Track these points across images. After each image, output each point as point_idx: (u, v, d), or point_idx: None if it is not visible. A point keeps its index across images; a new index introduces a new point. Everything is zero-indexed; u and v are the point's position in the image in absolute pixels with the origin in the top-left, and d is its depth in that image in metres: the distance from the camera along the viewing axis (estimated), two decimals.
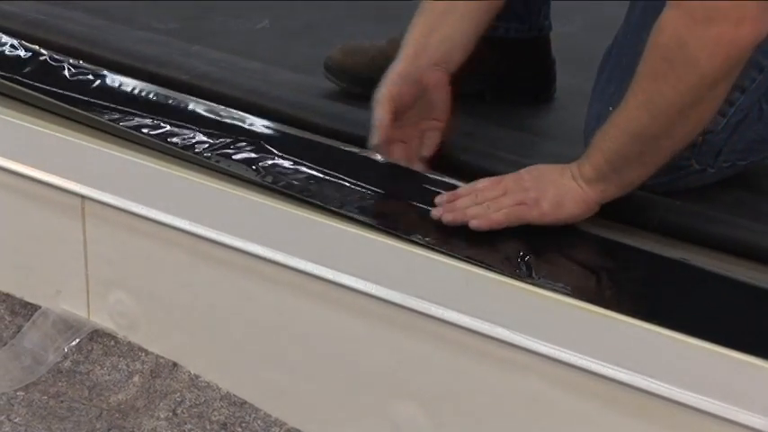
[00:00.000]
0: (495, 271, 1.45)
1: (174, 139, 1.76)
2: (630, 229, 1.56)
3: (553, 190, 1.51)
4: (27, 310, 1.89)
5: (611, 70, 1.64)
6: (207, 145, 1.74)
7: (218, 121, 1.83)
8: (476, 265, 1.47)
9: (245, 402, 1.71)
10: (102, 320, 1.84)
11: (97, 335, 1.83)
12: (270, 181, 1.65)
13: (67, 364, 1.80)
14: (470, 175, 1.61)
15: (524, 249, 1.49)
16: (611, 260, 1.51)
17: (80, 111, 1.83)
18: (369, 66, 1.93)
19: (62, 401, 1.73)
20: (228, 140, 1.76)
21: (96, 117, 1.81)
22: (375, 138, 1.65)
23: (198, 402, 1.72)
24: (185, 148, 1.73)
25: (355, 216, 1.56)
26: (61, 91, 1.89)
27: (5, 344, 1.84)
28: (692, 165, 1.60)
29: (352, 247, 1.56)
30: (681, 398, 1.36)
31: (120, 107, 1.85)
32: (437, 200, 1.57)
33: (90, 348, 1.81)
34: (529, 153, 1.69)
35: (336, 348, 1.63)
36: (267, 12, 2.37)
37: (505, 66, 1.91)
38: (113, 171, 1.75)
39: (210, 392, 1.73)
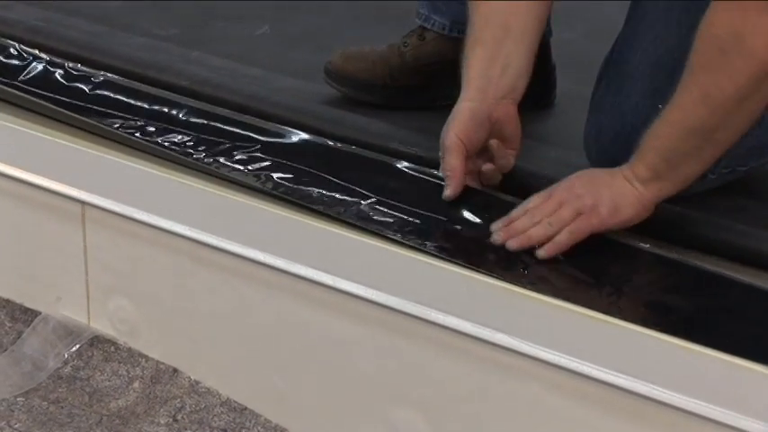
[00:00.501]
0: (494, 276, 1.45)
1: (175, 146, 1.76)
2: (630, 234, 1.56)
3: (608, 193, 1.49)
4: (27, 315, 1.89)
5: (610, 77, 1.64)
6: (207, 151, 1.74)
7: (218, 126, 1.83)
8: (476, 270, 1.47)
9: (246, 408, 1.71)
10: (103, 326, 1.84)
11: (97, 341, 1.83)
12: (270, 187, 1.65)
13: (68, 369, 1.80)
14: None
15: (525, 254, 1.49)
16: (612, 265, 1.51)
17: (80, 117, 1.83)
18: (369, 71, 1.93)
19: (62, 407, 1.73)
20: (228, 146, 1.76)
21: (97, 123, 1.81)
22: (450, 189, 1.58)
23: (198, 408, 1.72)
24: (186, 153, 1.74)
25: (355, 222, 1.56)
26: (62, 97, 1.89)
27: (6, 350, 1.84)
28: None
29: (353, 253, 1.56)
30: (681, 404, 1.36)
31: (120, 113, 1.85)
32: (493, 226, 1.52)
33: (90, 354, 1.81)
34: (529, 158, 1.69)
35: (337, 354, 1.63)
36: (267, 18, 2.37)
37: None
38: (114, 177, 1.75)
39: (211, 398, 1.73)
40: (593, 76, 1.68)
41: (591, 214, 1.48)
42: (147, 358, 1.80)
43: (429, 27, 1.92)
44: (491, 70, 1.60)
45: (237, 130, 1.82)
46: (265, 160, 1.72)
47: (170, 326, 1.79)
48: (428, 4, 1.92)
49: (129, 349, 1.81)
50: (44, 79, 1.96)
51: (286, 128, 1.82)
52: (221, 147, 1.76)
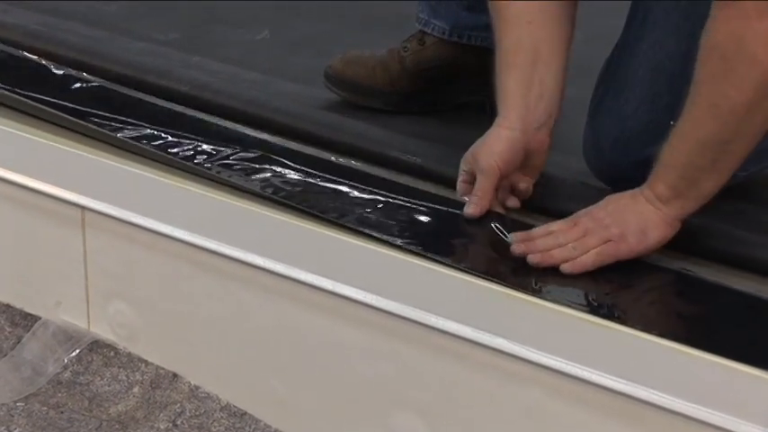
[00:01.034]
0: (495, 282, 1.45)
1: (175, 150, 1.76)
2: None
3: (634, 220, 1.47)
4: (27, 320, 1.89)
5: (609, 82, 1.64)
6: (207, 155, 1.74)
7: (218, 131, 1.83)
8: (476, 275, 1.47)
9: (246, 413, 1.71)
10: (103, 331, 1.84)
11: (97, 345, 1.83)
12: (270, 192, 1.65)
13: (67, 374, 1.80)
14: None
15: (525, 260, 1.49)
16: (612, 271, 1.50)
17: (80, 121, 1.83)
18: (369, 75, 1.93)
19: (62, 412, 1.73)
20: (229, 151, 1.76)
21: (96, 128, 1.81)
22: (475, 208, 1.56)
23: (198, 413, 1.72)
24: (185, 158, 1.73)
25: (355, 227, 1.56)
26: (61, 102, 1.89)
27: (5, 355, 1.84)
28: None
29: (352, 258, 1.56)
30: (681, 408, 1.36)
31: (120, 118, 1.85)
32: (512, 237, 1.50)
33: (90, 359, 1.81)
34: None
35: (336, 359, 1.63)
36: (267, 22, 2.38)
37: None
38: (113, 182, 1.75)
39: (210, 403, 1.73)
40: (592, 82, 1.68)
41: (619, 243, 1.46)
42: (146, 363, 1.80)
43: (429, 31, 1.92)
44: (528, 98, 1.58)
45: (238, 135, 1.82)
46: (265, 165, 1.72)
47: (170, 331, 1.79)
48: (428, 9, 1.92)
49: (129, 354, 1.81)
50: (43, 84, 1.96)
51: (286, 132, 1.82)
52: (221, 152, 1.75)
